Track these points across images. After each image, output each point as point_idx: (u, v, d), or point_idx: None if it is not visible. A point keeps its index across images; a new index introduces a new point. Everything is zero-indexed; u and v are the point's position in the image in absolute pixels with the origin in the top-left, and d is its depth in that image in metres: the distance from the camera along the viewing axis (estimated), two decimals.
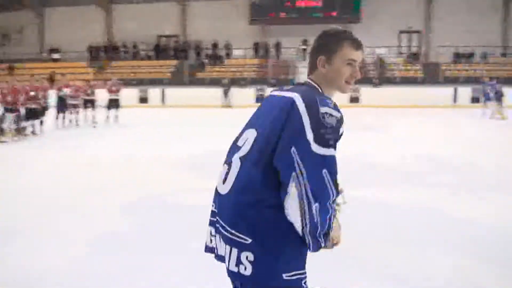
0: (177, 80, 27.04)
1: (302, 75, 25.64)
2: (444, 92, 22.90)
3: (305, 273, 1.80)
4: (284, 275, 1.74)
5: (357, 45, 1.96)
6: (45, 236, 4.80)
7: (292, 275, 1.76)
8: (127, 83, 25.11)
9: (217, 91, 23.70)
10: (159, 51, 30.50)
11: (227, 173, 1.89)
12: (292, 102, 1.79)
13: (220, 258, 1.91)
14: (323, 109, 1.74)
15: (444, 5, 28.22)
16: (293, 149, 1.71)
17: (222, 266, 1.87)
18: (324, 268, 3.26)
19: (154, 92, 25.01)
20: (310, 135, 1.71)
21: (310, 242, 1.77)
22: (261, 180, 1.77)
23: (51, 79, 27.12)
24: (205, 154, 9.50)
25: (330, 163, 1.74)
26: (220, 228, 1.87)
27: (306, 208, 1.71)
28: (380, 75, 26.21)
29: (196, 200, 5.84)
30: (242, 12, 29.48)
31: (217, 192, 1.95)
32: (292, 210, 1.72)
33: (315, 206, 1.71)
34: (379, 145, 11.05)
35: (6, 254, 4.29)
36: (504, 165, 8.55)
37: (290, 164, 1.71)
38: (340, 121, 1.76)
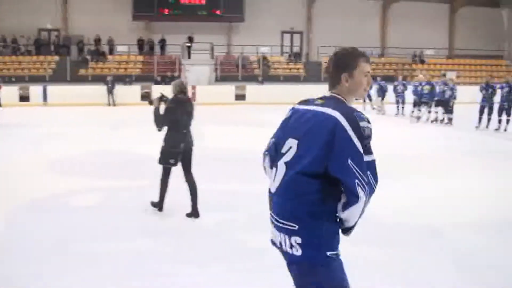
0: (59, 77, 26.05)
1: (188, 72, 26.12)
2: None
3: (339, 251, 2.29)
4: (327, 253, 2.22)
5: (368, 59, 2.41)
6: None
7: (333, 253, 2.24)
8: (6, 80, 24.10)
9: (101, 89, 23.33)
10: (40, 46, 29.16)
11: (275, 175, 2.36)
12: (336, 121, 2.20)
13: (277, 245, 2.36)
14: (362, 124, 2.21)
15: (324, 7, 29.87)
16: (349, 161, 2.15)
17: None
18: None
19: (35, 90, 23.97)
20: (360, 147, 2.18)
21: (351, 231, 2.36)
22: (302, 181, 2.22)
23: None
24: (87, 154, 9.65)
25: (374, 166, 2.27)
26: (273, 220, 2.35)
27: (365, 207, 2.25)
28: (264, 73, 27.29)
29: (76, 201, 6.18)
30: (125, 7, 28.79)
31: (269, 191, 2.42)
32: (356, 210, 2.23)
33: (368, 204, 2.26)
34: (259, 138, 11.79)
35: None
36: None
37: (352, 173, 2.15)
38: (371, 130, 2.25)
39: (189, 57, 28.29)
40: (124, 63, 27.72)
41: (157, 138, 5.81)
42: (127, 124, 15.86)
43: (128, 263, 4.44)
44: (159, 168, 5.77)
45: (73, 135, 13.30)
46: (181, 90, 5.75)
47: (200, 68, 27.47)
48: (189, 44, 28.25)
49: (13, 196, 6.70)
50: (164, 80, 24.31)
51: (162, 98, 5.74)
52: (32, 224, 5.60)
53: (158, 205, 5.88)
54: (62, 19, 29.61)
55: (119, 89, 23.78)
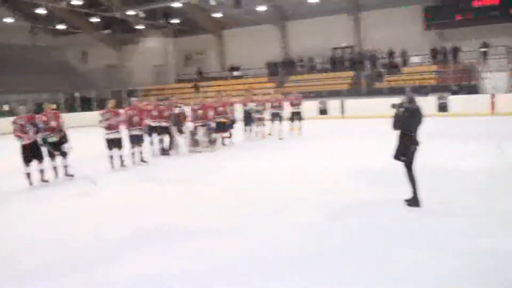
0: (354, 91, 28.05)
1: (486, 80, 25.17)
2: None
3: None
4: None
5: None
6: None
7: None
8: (306, 95, 26.90)
9: (395, 100, 23.90)
10: (335, 63, 31.85)
11: None
12: None
13: None
14: None
15: None
16: None
17: None
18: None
19: (332, 104, 26.10)
20: None
21: None
22: None
23: (197, 89, 30.22)
24: (384, 165, 10.33)
25: None
26: None
27: None
28: None
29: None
30: (416, 18, 29.54)
31: None
32: None
33: None
34: None
35: None
36: None
37: None
38: None
39: (484, 64, 27.34)
40: (418, 74, 27.97)
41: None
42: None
43: None
44: None
45: (370, 146, 14.17)
46: (410, 99, 6.94)
47: (497, 75, 26.20)
48: (484, 50, 27.33)
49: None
50: (462, 89, 23.99)
51: (397, 105, 7.07)
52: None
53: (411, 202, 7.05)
54: (355, 36, 31.79)
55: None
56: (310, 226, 6.55)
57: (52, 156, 10.77)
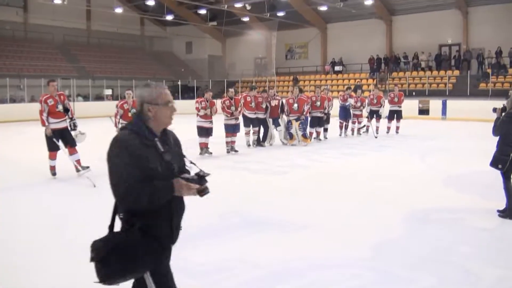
0: (458, 91, 27.66)
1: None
2: None
3: None
4: None
5: None
6: None
7: None
8: (408, 94, 26.85)
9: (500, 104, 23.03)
10: (441, 61, 31.47)
11: None
12: None
13: None
14: None
15: None
16: None
17: None
18: None
19: (434, 104, 25.87)
20: None
21: None
22: None
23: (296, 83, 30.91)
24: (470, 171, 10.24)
25: None
26: None
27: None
28: None
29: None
30: None
31: None
32: None
33: None
34: None
35: None
36: None
37: None
38: None
39: None
40: None
41: None
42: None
43: None
44: None
45: (460, 151, 13.98)
46: None
47: None
48: None
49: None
50: None
51: (499, 109, 7.05)
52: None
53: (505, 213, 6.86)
54: (463, 33, 31.14)
55: None
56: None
57: None
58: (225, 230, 6.40)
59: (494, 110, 7.24)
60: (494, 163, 6.89)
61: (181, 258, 5.17)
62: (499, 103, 7.46)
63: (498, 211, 6.92)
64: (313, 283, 4.65)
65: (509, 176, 6.83)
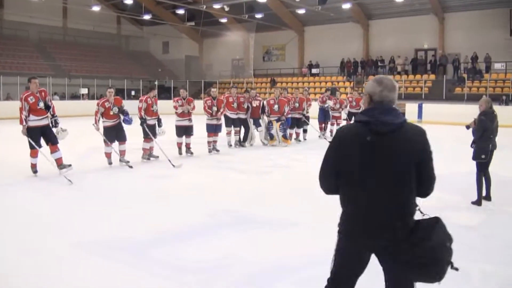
0: (434, 95, 28.03)
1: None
2: None
3: None
4: None
5: None
6: None
7: None
8: None
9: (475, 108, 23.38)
10: (416, 66, 31.88)
11: None
12: None
13: None
14: None
15: None
16: None
17: None
18: None
19: (410, 107, 25.70)
20: None
21: None
22: None
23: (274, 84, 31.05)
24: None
25: None
26: None
27: None
28: None
29: None
30: (502, 22, 28.88)
31: None
32: None
33: None
34: None
35: None
36: None
37: None
38: None
39: None
40: (501, 81, 27.49)
41: None
42: None
43: None
44: None
45: (437, 153, 13.99)
46: (490, 106, 7.52)
47: None
48: None
49: None
50: None
51: (470, 125, 7.76)
52: None
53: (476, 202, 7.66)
54: (439, 38, 31.67)
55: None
56: None
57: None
58: (216, 229, 6.42)
59: (467, 127, 7.87)
60: (477, 156, 7.54)
61: (176, 256, 5.36)
62: (474, 107, 8.10)
63: (472, 202, 7.67)
64: (309, 279, 4.65)
65: (487, 167, 7.63)
